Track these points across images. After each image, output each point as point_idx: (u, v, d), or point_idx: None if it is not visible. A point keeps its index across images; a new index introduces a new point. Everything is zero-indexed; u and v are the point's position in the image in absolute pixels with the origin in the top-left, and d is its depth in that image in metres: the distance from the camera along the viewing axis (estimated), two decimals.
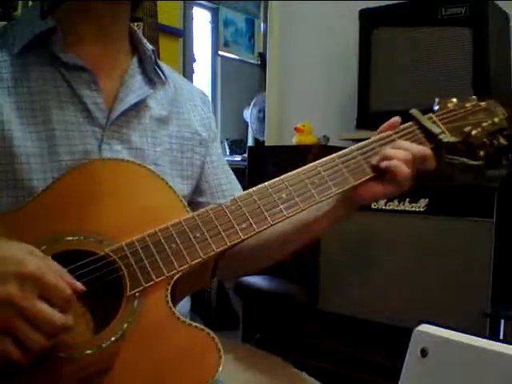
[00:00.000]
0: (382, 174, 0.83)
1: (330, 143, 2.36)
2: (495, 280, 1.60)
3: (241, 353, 1.01)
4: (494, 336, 1.58)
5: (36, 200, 0.75)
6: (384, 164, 0.82)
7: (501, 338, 1.61)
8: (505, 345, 0.60)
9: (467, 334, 0.64)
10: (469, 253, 1.64)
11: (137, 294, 0.70)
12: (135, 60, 0.91)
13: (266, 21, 3.45)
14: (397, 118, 0.89)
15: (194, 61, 3.59)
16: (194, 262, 0.72)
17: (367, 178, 0.83)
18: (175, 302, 0.73)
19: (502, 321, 1.58)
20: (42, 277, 0.60)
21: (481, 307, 1.58)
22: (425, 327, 0.67)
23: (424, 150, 0.84)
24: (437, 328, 0.66)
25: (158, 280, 0.70)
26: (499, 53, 1.94)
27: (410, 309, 1.69)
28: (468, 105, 0.91)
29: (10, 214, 0.74)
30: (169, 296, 0.70)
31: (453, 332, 0.65)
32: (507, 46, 2.01)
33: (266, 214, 0.77)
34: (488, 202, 1.62)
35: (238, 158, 3.44)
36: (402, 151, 0.82)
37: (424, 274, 1.73)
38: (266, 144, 2.91)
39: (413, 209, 1.77)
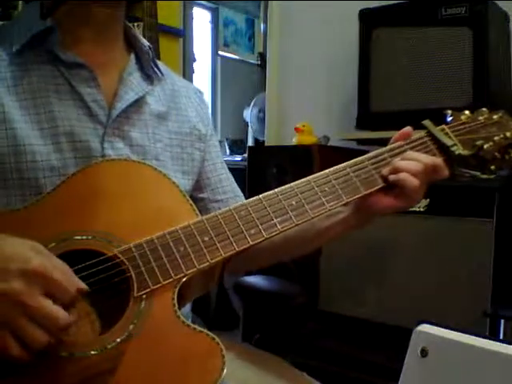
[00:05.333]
0: (392, 185, 0.83)
1: (330, 143, 2.36)
2: (495, 280, 1.60)
3: (241, 351, 1.01)
4: (494, 336, 1.58)
5: (44, 199, 0.75)
6: (392, 178, 0.82)
7: (501, 337, 1.61)
8: (505, 345, 0.60)
9: (467, 334, 0.64)
10: (469, 253, 1.64)
11: (144, 296, 0.69)
12: (132, 57, 0.91)
13: (266, 21, 3.45)
14: (409, 128, 0.88)
15: (194, 61, 3.59)
16: (201, 266, 0.72)
17: (377, 188, 0.83)
18: (182, 305, 0.73)
19: (502, 321, 1.58)
20: (46, 274, 0.60)
21: (481, 307, 1.58)
22: (425, 327, 0.67)
23: (434, 159, 0.84)
24: (437, 328, 0.66)
25: (165, 283, 0.70)
26: (499, 53, 1.94)
27: (409, 309, 1.69)
28: (480, 118, 0.90)
29: (18, 212, 0.74)
30: (175, 299, 0.70)
31: (453, 332, 0.65)
32: (507, 46, 2.01)
33: (275, 220, 0.77)
34: (488, 202, 1.62)
35: (238, 157, 3.44)
36: (412, 162, 0.82)
37: (424, 274, 1.73)
38: (266, 144, 2.91)
39: (413, 209, 1.77)
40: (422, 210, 1.75)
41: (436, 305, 1.66)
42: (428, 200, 1.74)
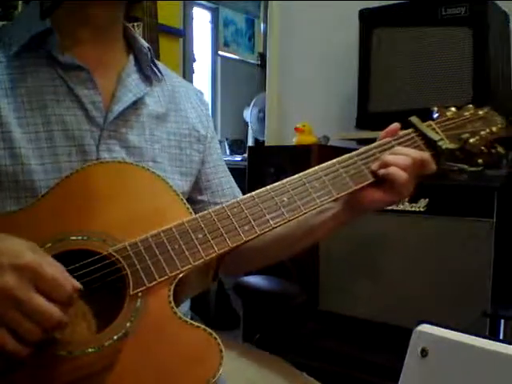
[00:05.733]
0: (381, 180, 0.84)
1: (329, 143, 2.36)
2: (495, 280, 1.60)
3: (242, 350, 1.02)
4: (494, 336, 1.58)
5: (40, 201, 0.75)
6: (381, 172, 0.83)
7: (501, 337, 1.61)
8: (505, 345, 0.60)
9: (467, 334, 0.64)
10: (469, 253, 1.64)
11: (140, 294, 0.70)
12: (131, 58, 0.91)
13: (266, 21, 3.45)
14: (396, 124, 0.89)
15: (194, 61, 3.59)
16: (196, 263, 0.73)
17: (367, 183, 0.84)
18: (178, 303, 0.73)
19: (502, 321, 1.58)
20: (40, 270, 0.60)
21: (481, 307, 1.58)
22: (425, 327, 0.67)
23: (422, 154, 0.85)
24: (437, 328, 0.66)
25: (160, 280, 0.71)
26: (499, 53, 1.94)
27: (410, 309, 1.69)
28: (466, 113, 0.93)
29: (13, 214, 0.75)
30: (171, 296, 0.70)
31: (453, 332, 0.65)
32: (507, 46, 2.01)
33: (267, 216, 0.78)
34: (488, 202, 1.62)
35: (238, 157, 3.44)
36: (401, 157, 0.83)
37: (424, 274, 1.73)
38: (266, 144, 2.91)
39: (413, 209, 1.77)
40: (421, 209, 1.75)
41: (436, 305, 1.66)
42: (427, 200, 1.74)
